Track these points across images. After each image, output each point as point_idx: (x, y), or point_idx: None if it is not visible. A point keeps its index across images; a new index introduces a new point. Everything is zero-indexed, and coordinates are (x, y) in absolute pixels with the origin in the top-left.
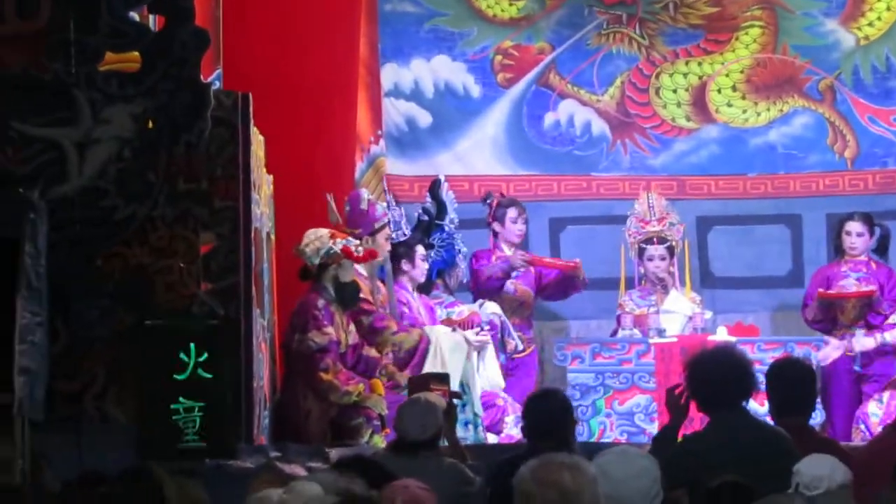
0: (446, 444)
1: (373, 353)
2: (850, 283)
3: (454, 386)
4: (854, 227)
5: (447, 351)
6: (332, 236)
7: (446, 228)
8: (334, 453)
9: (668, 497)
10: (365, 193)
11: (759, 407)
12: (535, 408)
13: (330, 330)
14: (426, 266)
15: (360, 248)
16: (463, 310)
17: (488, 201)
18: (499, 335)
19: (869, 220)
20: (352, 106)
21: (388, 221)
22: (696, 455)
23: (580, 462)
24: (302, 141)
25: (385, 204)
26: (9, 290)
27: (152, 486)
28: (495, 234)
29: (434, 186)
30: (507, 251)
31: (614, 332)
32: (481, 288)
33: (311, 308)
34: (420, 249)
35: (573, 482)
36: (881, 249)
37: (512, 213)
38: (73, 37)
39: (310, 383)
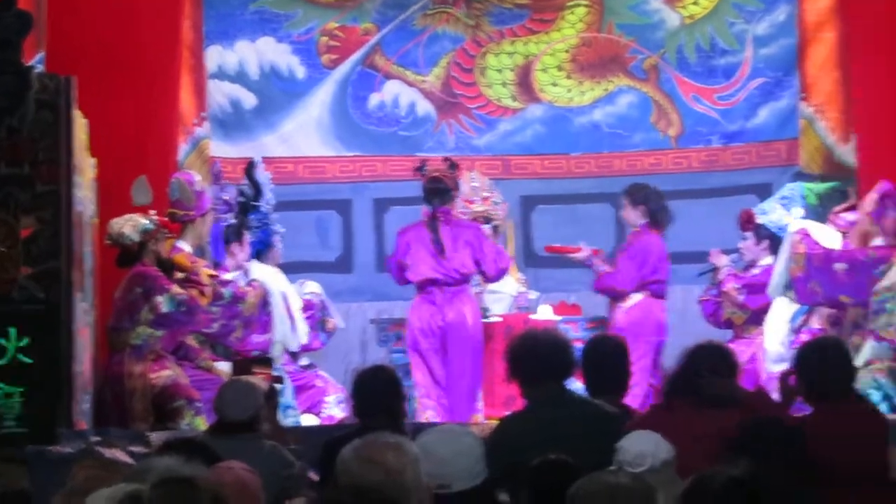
0: (268, 426)
1: (194, 343)
2: None
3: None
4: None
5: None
6: (143, 215)
7: (262, 209)
8: (155, 437)
9: (494, 479)
10: (198, 177)
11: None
12: (364, 384)
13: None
14: (250, 249)
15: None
16: None
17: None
18: (318, 314)
19: (629, 192)
20: (175, 88)
21: (217, 207)
22: (518, 435)
23: (403, 442)
24: (125, 124)
25: (220, 190)
26: None
27: None
28: (449, 203)
29: (249, 168)
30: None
31: None
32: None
33: (152, 274)
34: (247, 232)
35: (396, 461)
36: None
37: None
38: None
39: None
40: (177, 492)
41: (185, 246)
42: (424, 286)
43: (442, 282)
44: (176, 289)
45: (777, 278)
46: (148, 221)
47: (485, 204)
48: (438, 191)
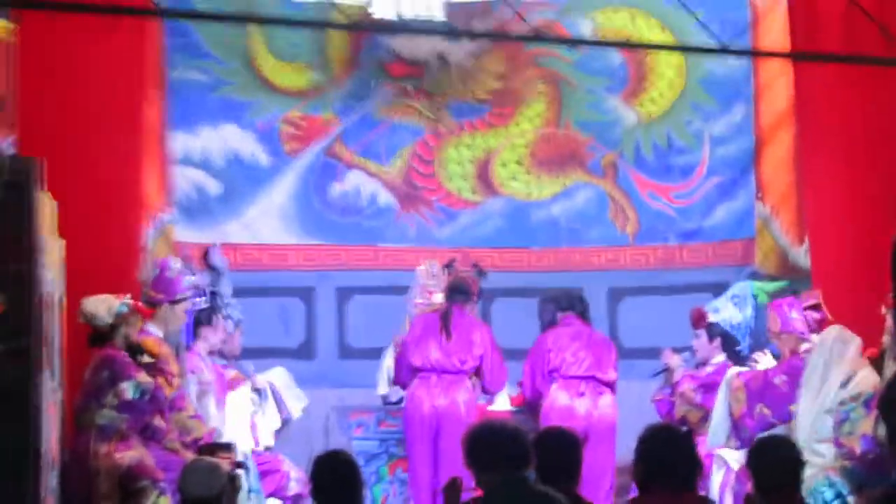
0: None
1: (161, 423)
2: None
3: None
4: None
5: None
6: (117, 297)
7: (223, 295)
8: None
9: None
10: (174, 262)
11: None
12: (322, 470)
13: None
14: (223, 334)
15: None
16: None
17: (479, 269)
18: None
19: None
20: (139, 174)
21: (192, 296)
22: None
23: None
24: (92, 207)
25: (193, 277)
26: None
27: None
28: (463, 304)
29: (206, 254)
30: None
31: (400, 400)
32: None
33: (121, 360)
34: (220, 316)
35: None
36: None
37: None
38: None
39: (142, 431)
40: None
41: (156, 330)
42: (424, 371)
43: (441, 368)
44: (142, 376)
45: (716, 428)
46: (122, 304)
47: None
48: (461, 290)
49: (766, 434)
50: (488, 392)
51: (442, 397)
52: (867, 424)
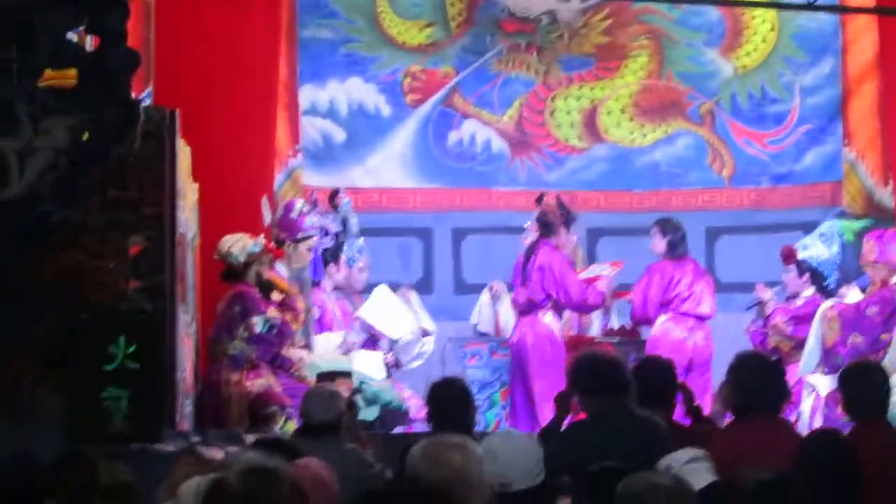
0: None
1: (290, 354)
2: None
3: None
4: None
5: None
6: (251, 237)
7: (349, 234)
8: (250, 438)
9: (553, 482)
10: (299, 204)
11: None
12: (438, 395)
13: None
14: (346, 271)
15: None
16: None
17: (560, 202)
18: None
19: (660, 223)
20: (271, 122)
21: (315, 235)
22: (579, 443)
23: (467, 442)
24: (226, 153)
25: (317, 217)
26: None
27: (84, 467)
28: (548, 236)
29: (333, 197)
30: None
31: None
32: (581, 303)
33: (252, 296)
34: (343, 255)
35: (461, 460)
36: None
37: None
38: (14, 55)
39: (272, 361)
40: (258, 479)
41: (283, 269)
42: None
43: (520, 302)
44: (271, 312)
45: (809, 356)
46: (255, 244)
47: None
48: (543, 223)
49: (856, 360)
50: (569, 308)
51: (527, 328)
52: None
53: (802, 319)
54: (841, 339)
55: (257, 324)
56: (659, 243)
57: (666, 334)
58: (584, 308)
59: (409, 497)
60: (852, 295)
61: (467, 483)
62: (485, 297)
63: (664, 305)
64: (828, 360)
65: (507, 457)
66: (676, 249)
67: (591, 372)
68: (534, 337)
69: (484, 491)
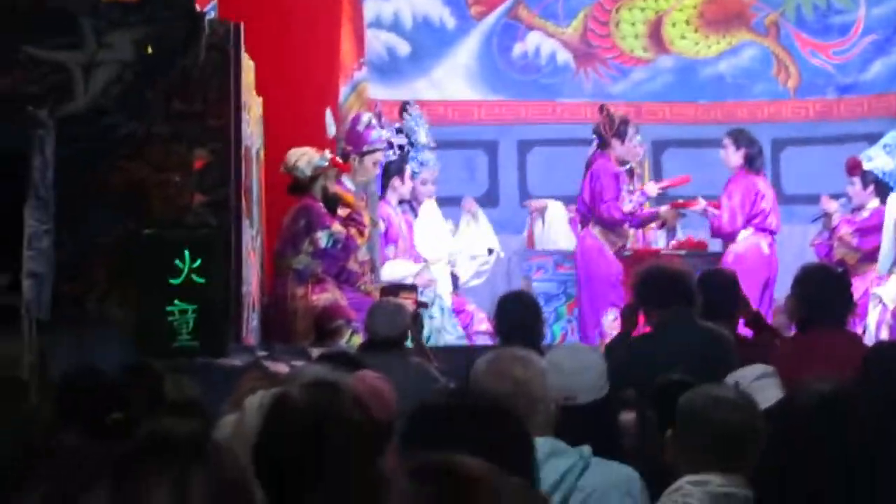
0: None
1: (356, 267)
2: None
3: None
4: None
5: None
6: (318, 151)
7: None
8: (316, 352)
9: (619, 395)
10: (366, 117)
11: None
12: (506, 308)
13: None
14: (411, 184)
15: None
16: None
17: (611, 116)
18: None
19: (734, 134)
20: (336, 35)
21: (382, 148)
22: (644, 356)
23: (531, 355)
24: (290, 67)
25: (383, 131)
26: (19, 199)
27: (151, 380)
28: (603, 149)
29: (403, 109)
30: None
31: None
32: (602, 217)
33: (316, 210)
34: (408, 168)
35: (524, 373)
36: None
37: (632, 130)
38: None
39: (338, 275)
40: (321, 392)
41: (349, 183)
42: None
43: (580, 216)
44: (336, 226)
45: (884, 258)
46: (321, 158)
47: None
48: (597, 136)
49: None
50: (598, 222)
51: (580, 239)
52: None
53: (868, 231)
54: None
55: (322, 238)
56: (733, 155)
57: (752, 249)
58: (605, 223)
59: (471, 409)
60: None
61: (531, 396)
62: (463, 220)
63: (749, 220)
64: None
65: (571, 370)
66: (755, 162)
67: (655, 284)
68: (581, 249)
69: (548, 404)
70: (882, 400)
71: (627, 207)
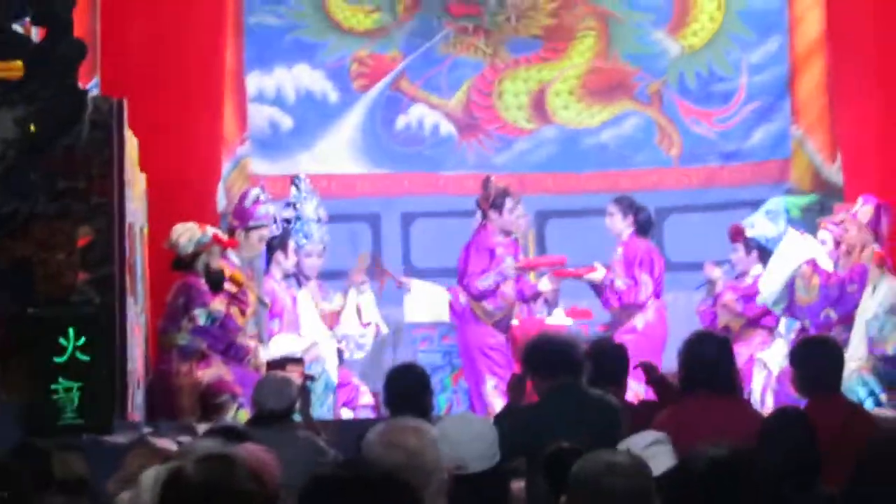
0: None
1: (245, 342)
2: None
3: None
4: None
5: None
6: (201, 227)
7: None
8: (202, 428)
9: (508, 464)
10: (254, 192)
11: None
12: (396, 380)
13: (219, 303)
14: (296, 257)
15: (224, 235)
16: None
17: (489, 188)
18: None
19: (619, 202)
20: (218, 111)
21: (268, 224)
22: (532, 424)
23: (423, 425)
24: (173, 143)
25: (271, 206)
26: None
27: (38, 459)
28: (484, 220)
29: (293, 181)
30: (500, 238)
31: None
32: (467, 290)
33: (198, 286)
34: (292, 242)
35: (417, 443)
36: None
37: (511, 202)
38: None
39: (225, 350)
40: (216, 466)
41: (235, 258)
42: None
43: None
44: (215, 304)
45: (772, 293)
46: (203, 234)
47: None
48: (478, 207)
49: (809, 336)
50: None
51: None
52: None
53: (753, 297)
54: (816, 305)
55: (200, 316)
56: (621, 223)
57: (659, 315)
58: (471, 295)
59: (364, 481)
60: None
61: (424, 466)
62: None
63: (657, 287)
64: (793, 312)
65: (461, 439)
66: (649, 229)
67: (542, 354)
68: (458, 320)
69: (441, 474)
70: (777, 464)
71: (483, 284)
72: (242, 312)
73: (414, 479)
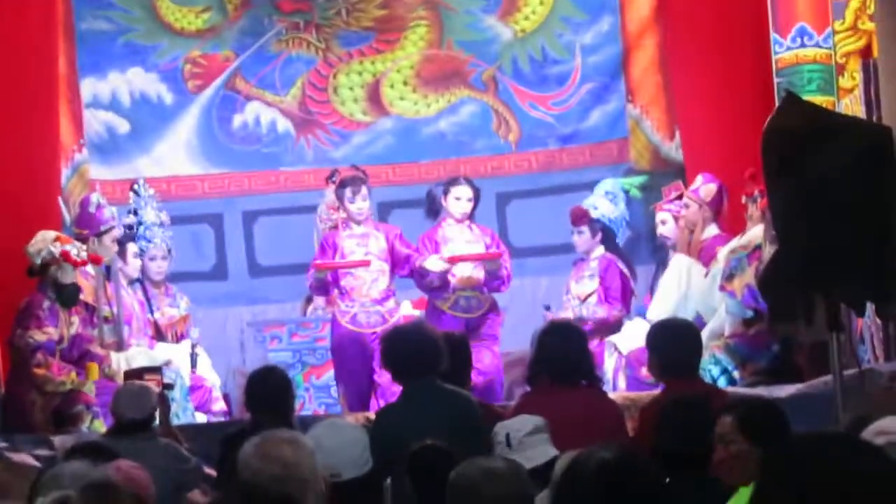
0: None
1: (99, 351)
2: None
3: None
4: (464, 192)
5: None
6: (58, 239)
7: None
8: (58, 440)
9: (380, 468)
10: (95, 197)
11: None
12: (258, 384)
13: (50, 329)
14: (139, 262)
15: (84, 253)
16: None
17: (332, 179)
18: None
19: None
20: (54, 118)
21: (115, 225)
22: (394, 424)
23: (298, 437)
24: (9, 151)
25: (113, 208)
26: None
27: None
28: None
29: (132, 187)
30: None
31: (304, 312)
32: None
33: (35, 307)
34: (131, 247)
35: (293, 455)
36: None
37: (349, 192)
38: None
39: (28, 377)
40: (99, 495)
41: (90, 269)
42: None
43: None
44: (36, 334)
45: (667, 303)
46: (52, 249)
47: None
48: None
49: (669, 319)
50: None
51: None
52: (751, 275)
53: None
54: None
55: (44, 331)
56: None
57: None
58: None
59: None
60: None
61: (301, 477)
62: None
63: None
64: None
65: (333, 447)
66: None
67: (400, 350)
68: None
69: (318, 484)
70: (667, 457)
71: (309, 281)
72: (91, 322)
73: (292, 490)
